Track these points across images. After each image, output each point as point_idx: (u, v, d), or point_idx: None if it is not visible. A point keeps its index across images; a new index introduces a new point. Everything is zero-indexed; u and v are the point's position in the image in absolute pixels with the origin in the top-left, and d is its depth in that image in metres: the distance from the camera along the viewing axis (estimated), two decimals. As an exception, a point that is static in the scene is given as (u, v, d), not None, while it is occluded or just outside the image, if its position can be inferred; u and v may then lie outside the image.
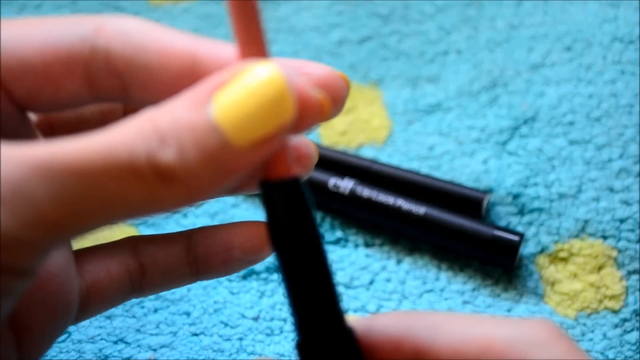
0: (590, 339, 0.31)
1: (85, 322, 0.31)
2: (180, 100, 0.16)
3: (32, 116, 0.21)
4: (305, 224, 0.17)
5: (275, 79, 0.16)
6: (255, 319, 0.31)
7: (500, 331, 0.17)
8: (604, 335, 0.31)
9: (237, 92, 0.16)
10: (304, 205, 0.17)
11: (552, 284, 0.33)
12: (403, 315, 0.19)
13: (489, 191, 0.35)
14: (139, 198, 0.15)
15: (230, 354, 0.30)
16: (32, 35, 0.18)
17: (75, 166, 0.15)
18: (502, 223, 0.34)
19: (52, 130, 0.22)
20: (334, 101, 0.19)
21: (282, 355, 0.30)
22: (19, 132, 0.20)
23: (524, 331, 0.17)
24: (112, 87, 0.19)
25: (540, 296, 0.32)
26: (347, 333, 0.18)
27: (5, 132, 0.19)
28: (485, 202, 0.34)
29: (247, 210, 0.35)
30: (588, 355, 0.19)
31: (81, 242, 0.22)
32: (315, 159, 0.22)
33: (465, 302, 0.32)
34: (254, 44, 0.17)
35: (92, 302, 0.22)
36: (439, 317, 0.18)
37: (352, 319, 0.18)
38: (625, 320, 0.31)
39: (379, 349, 0.18)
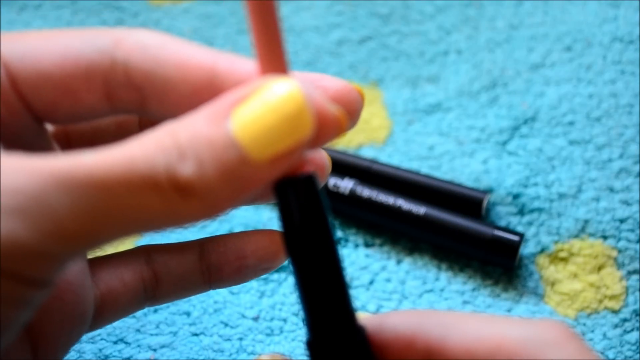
0: (590, 339, 0.31)
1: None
2: (200, 115, 0.16)
3: (49, 127, 0.21)
4: (318, 221, 0.17)
5: (295, 95, 0.16)
6: (255, 319, 0.31)
7: (512, 331, 0.17)
8: (604, 335, 0.31)
9: (256, 107, 0.16)
10: (318, 202, 0.17)
11: (552, 284, 0.33)
12: (415, 313, 0.19)
13: (489, 191, 0.35)
14: (158, 211, 0.15)
15: (230, 354, 0.30)
16: (51, 47, 0.18)
17: (96, 178, 0.15)
18: (502, 223, 0.34)
19: (68, 140, 0.22)
20: (349, 114, 0.19)
21: (282, 355, 0.30)
22: (36, 143, 0.20)
23: (536, 331, 0.17)
24: (130, 99, 0.19)
25: (540, 296, 0.32)
26: (358, 331, 0.18)
27: (22, 143, 0.19)
28: (485, 202, 0.34)
29: (247, 211, 0.35)
30: (599, 356, 0.19)
31: (95, 252, 0.22)
32: (329, 170, 0.22)
33: (465, 302, 0.32)
34: (274, 58, 0.17)
35: (106, 311, 0.22)
36: (451, 316, 0.18)
37: (363, 317, 0.18)
38: (625, 320, 0.31)
39: (390, 347, 0.18)
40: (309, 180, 0.17)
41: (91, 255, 0.22)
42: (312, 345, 0.18)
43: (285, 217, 0.17)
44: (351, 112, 0.19)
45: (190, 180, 0.15)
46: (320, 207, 0.17)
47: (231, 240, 0.23)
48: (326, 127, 0.17)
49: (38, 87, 0.18)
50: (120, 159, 0.15)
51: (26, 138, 0.19)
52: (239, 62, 0.19)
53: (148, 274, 0.22)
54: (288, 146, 0.16)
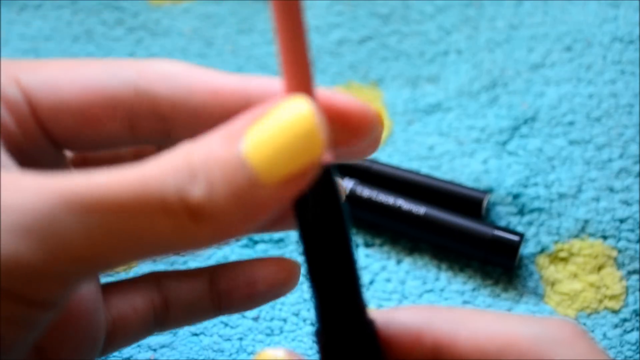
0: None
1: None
2: (216, 135, 0.16)
3: (68, 152, 0.21)
4: (335, 211, 0.17)
5: (305, 115, 0.15)
6: (255, 319, 0.31)
7: (522, 329, 0.17)
8: (604, 335, 0.31)
9: (268, 128, 0.16)
10: (335, 192, 0.17)
11: (552, 284, 0.33)
12: (423, 309, 0.18)
13: (489, 191, 0.35)
14: (169, 235, 0.15)
15: (230, 354, 0.30)
16: (73, 76, 0.18)
17: (107, 199, 0.15)
18: (502, 223, 0.34)
19: (86, 166, 0.22)
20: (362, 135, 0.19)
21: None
22: (54, 167, 0.20)
23: (547, 330, 0.17)
24: (154, 129, 0.19)
25: (540, 296, 0.32)
26: (368, 324, 0.18)
27: (39, 166, 0.19)
28: (485, 202, 0.34)
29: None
30: (609, 355, 0.19)
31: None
32: (376, 126, 0.20)
33: (465, 302, 0.32)
34: (299, 77, 0.16)
35: (117, 336, 0.21)
36: (460, 312, 0.18)
37: (371, 311, 0.18)
38: (625, 320, 0.31)
39: (398, 342, 0.18)
40: (324, 173, 0.17)
41: (102, 279, 0.22)
42: (321, 335, 0.18)
43: (301, 206, 0.17)
44: (364, 133, 0.19)
45: (200, 202, 0.15)
46: (337, 198, 0.17)
47: (241, 267, 0.23)
48: (360, 124, 0.17)
49: (59, 116, 0.18)
50: (132, 180, 0.15)
51: (44, 162, 0.19)
52: (271, 82, 0.18)
53: (158, 300, 0.22)
54: (298, 168, 0.15)
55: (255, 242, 0.33)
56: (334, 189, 0.17)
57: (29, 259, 0.14)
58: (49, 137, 0.19)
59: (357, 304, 0.18)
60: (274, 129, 0.15)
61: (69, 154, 0.21)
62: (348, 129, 0.18)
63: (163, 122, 0.19)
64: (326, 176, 0.17)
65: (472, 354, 0.17)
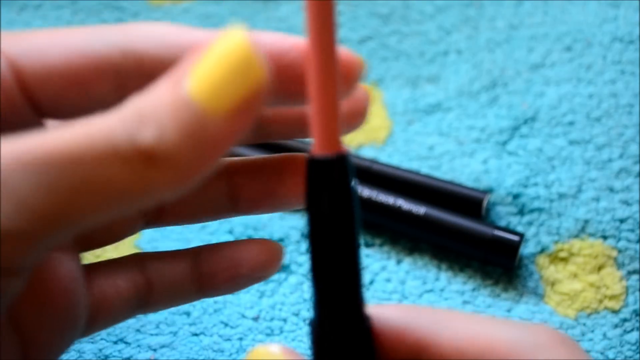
0: (590, 339, 0.31)
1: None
2: (161, 82, 0.16)
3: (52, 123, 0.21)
4: (346, 203, 0.17)
5: (240, 44, 0.16)
6: (255, 319, 0.31)
7: (503, 333, 0.17)
8: (604, 335, 0.31)
9: (208, 63, 0.16)
10: (348, 184, 0.17)
11: (552, 284, 0.33)
12: (407, 307, 0.19)
13: (489, 191, 0.35)
14: (128, 183, 0.15)
15: (230, 354, 0.30)
16: (59, 42, 0.18)
17: (55, 154, 0.15)
18: (502, 223, 0.34)
19: None
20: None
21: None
22: None
23: (528, 334, 0.17)
24: (142, 88, 0.19)
25: (540, 296, 0.32)
26: (365, 321, 0.18)
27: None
28: (485, 202, 0.34)
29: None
30: (591, 357, 0.19)
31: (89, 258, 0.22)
32: (367, 110, 0.21)
33: (465, 302, 0.32)
34: (325, 41, 0.17)
35: (99, 317, 0.22)
36: (443, 313, 0.18)
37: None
38: (625, 320, 0.31)
39: (381, 339, 0.18)
40: (341, 160, 0.17)
41: (85, 260, 0.22)
42: (316, 326, 0.18)
43: (312, 195, 0.17)
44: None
45: (152, 145, 0.15)
46: (349, 190, 0.17)
47: (225, 248, 0.23)
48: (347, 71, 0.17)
49: (45, 81, 0.18)
50: (80, 134, 0.15)
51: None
52: (261, 36, 0.18)
53: (141, 281, 0.22)
54: (241, 96, 0.16)
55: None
56: (349, 181, 0.17)
57: None
58: (34, 106, 0.19)
59: (357, 300, 0.18)
60: (213, 62, 0.16)
61: (53, 124, 0.21)
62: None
63: (150, 82, 0.18)
64: (342, 168, 0.17)
65: (453, 355, 0.17)
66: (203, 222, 0.24)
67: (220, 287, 0.23)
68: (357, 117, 0.21)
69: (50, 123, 0.21)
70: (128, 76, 0.19)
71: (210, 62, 0.16)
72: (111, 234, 0.23)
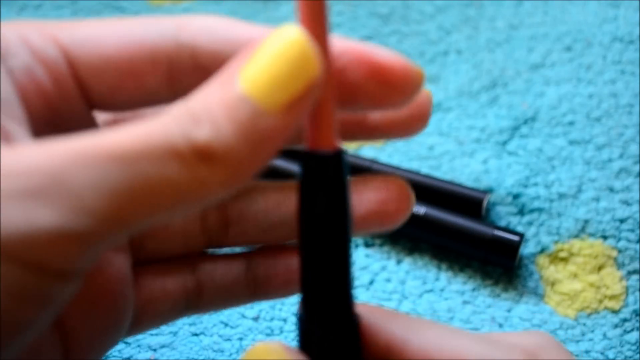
0: (590, 339, 0.31)
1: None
2: (211, 82, 0.16)
3: (103, 116, 0.21)
4: (339, 201, 0.17)
5: (295, 39, 0.16)
6: (255, 319, 0.31)
7: (473, 348, 0.18)
8: (604, 335, 0.31)
9: (261, 60, 0.16)
10: (342, 182, 0.17)
11: (552, 284, 0.33)
12: (381, 311, 0.19)
13: (489, 191, 0.35)
14: (183, 181, 0.15)
15: (230, 354, 0.30)
16: (113, 32, 0.18)
17: (114, 153, 0.14)
18: (502, 223, 0.34)
19: None
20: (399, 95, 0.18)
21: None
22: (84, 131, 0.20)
23: (498, 352, 0.18)
24: (194, 82, 0.19)
25: (540, 296, 0.32)
26: (353, 319, 0.18)
27: (70, 129, 0.18)
28: (485, 202, 0.34)
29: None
30: None
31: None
32: (427, 119, 0.21)
33: (465, 302, 0.32)
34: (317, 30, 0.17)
35: (145, 318, 0.21)
36: (418, 321, 0.19)
37: None
38: (625, 320, 0.31)
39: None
40: (337, 157, 0.17)
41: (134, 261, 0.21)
42: (304, 321, 0.18)
43: (306, 191, 0.17)
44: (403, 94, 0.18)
45: (208, 142, 0.15)
46: (344, 188, 0.17)
47: (281, 253, 0.22)
48: (389, 75, 0.17)
49: (100, 71, 0.18)
50: (138, 134, 0.15)
51: (75, 126, 0.19)
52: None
53: (192, 283, 0.22)
54: (298, 90, 0.16)
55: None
56: (344, 179, 0.17)
57: (45, 221, 0.14)
58: (85, 96, 0.19)
59: (346, 296, 0.18)
60: (267, 59, 0.16)
61: (103, 117, 0.21)
62: (384, 83, 0.18)
63: (204, 75, 0.18)
64: (338, 165, 0.17)
65: None
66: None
67: (274, 291, 0.22)
68: (419, 121, 0.21)
69: (100, 117, 0.20)
70: (181, 68, 0.19)
71: (265, 58, 0.16)
72: (167, 249, 0.22)
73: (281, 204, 0.22)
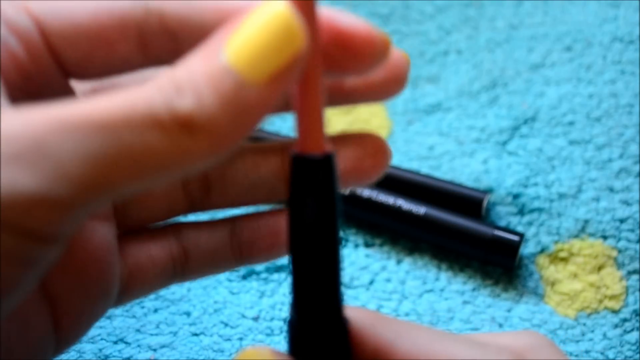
0: (590, 339, 0.31)
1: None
2: (196, 53, 0.16)
3: (78, 85, 0.21)
4: (328, 206, 0.17)
5: (280, 12, 0.16)
6: (255, 319, 0.31)
7: (462, 352, 0.18)
8: (604, 335, 0.31)
9: (246, 31, 0.16)
10: (332, 186, 0.17)
11: (552, 284, 0.33)
12: (370, 313, 0.19)
13: (489, 191, 0.35)
14: (165, 150, 0.15)
15: (230, 354, 0.30)
16: (84, 1, 0.18)
17: (96, 120, 0.15)
18: (502, 223, 0.34)
19: None
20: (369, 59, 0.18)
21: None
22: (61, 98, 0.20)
23: (487, 355, 0.18)
24: (164, 48, 0.19)
25: (540, 296, 0.32)
26: (342, 322, 0.18)
27: (47, 97, 0.18)
28: (485, 202, 0.34)
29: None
30: None
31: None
32: (406, 76, 0.21)
33: (465, 302, 0.32)
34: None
35: (133, 286, 0.21)
36: (408, 326, 0.19)
37: None
38: (625, 320, 0.31)
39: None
40: (327, 161, 0.17)
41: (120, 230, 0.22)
42: (293, 326, 0.18)
43: (294, 193, 0.17)
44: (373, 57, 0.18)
45: (190, 112, 0.15)
46: (333, 192, 0.17)
47: (264, 216, 0.22)
48: (357, 42, 0.17)
49: (72, 40, 0.18)
50: (120, 102, 0.15)
51: (51, 93, 0.19)
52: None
53: (177, 250, 0.22)
54: (282, 62, 0.16)
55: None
56: (334, 182, 0.17)
57: (26, 186, 0.14)
58: (59, 65, 0.19)
59: (335, 300, 0.18)
60: (252, 31, 0.16)
61: (79, 86, 0.21)
62: (347, 49, 0.18)
63: (173, 40, 0.19)
64: (327, 168, 0.17)
65: None
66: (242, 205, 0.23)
67: (258, 255, 0.23)
68: (395, 84, 0.21)
69: (79, 87, 0.21)
70: (151, 34, 0.19)
71: (250, 30, 0.16)
72: (151, 215, 0.22)
73: (259, 164, 0.22)
